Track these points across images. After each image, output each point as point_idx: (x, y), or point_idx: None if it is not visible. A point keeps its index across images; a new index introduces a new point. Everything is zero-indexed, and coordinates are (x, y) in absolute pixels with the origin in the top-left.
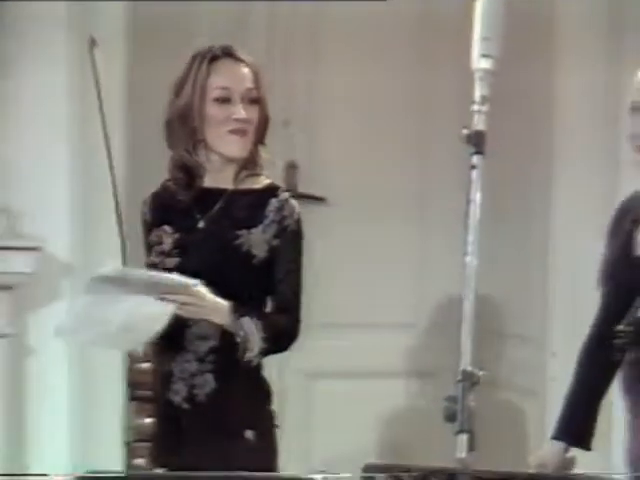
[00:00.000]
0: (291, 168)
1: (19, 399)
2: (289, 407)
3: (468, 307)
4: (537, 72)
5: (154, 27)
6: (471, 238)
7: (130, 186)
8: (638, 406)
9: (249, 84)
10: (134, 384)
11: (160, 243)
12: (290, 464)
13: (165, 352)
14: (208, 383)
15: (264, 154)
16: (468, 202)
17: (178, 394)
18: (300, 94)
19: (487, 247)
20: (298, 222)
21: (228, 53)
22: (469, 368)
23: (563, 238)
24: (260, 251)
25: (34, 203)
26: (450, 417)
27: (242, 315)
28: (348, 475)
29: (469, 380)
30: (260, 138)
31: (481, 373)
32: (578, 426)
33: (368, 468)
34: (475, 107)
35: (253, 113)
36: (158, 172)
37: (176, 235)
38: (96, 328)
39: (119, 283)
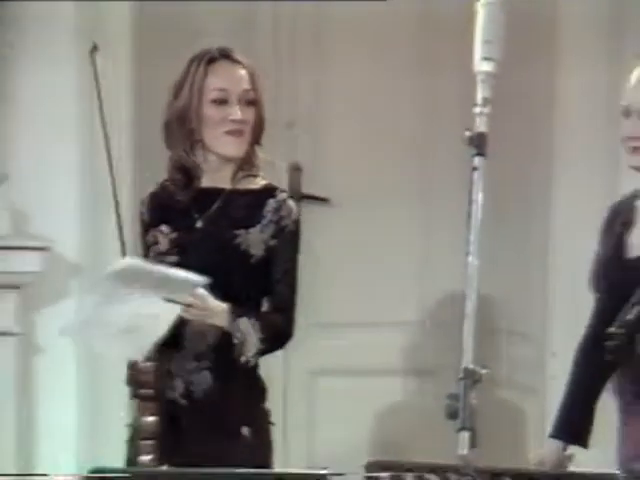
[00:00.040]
0: (295, 170)
1: (27, 397)
2: (293, 405)
3: (470, 306)
4: (537, 72)
5: (160, 27)
6: (473, 238)
7: (137, 186)
8: (627, 413)
9: (246, 85)
10: (136, 382)
11: (156, 243)
12: (293, 460)
13: (163, 349)
14: (205, 380)
15: (261, 155)
16: (470, 203)
17: (176, 391)
18: (304, 96)
19: (488, 247)
20: (296, 222)
21: (225, 55)
22: (471, 366)
23: (563, 238)
24: (258, 250)
25: (42, 203)
26: (452, 414)
27: (239, 316)
28: (355, 472)
29: (471, 378)
30: (257, 139)
31: (483, 371)
32: (575, 424)
33: (370, 465)
34: (477, 109)
35: (249, 114)
36: (165, 172)
37: (174, 234)
38: (100, 330)
39: (131, 278)
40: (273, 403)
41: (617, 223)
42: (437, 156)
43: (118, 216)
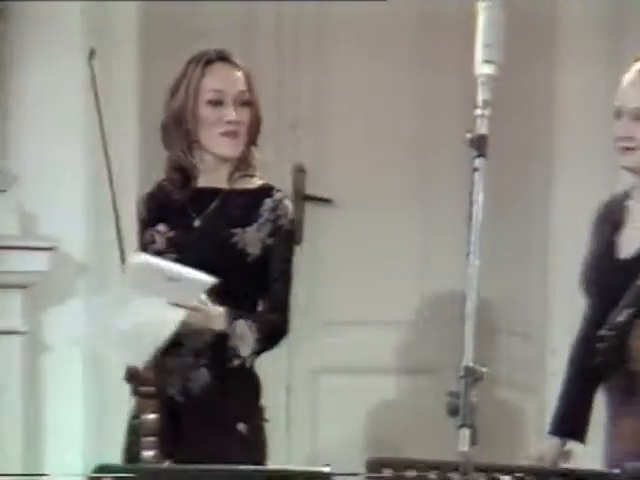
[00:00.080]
0: (299, 171)
1: (34, 395)
2: (296, 403)
3: (470, 306)
4: (537, 73)
5: (165, 27)
6: (474, 238)
7: (143, 185)
8: (616, 413)
9: (241, 87)
10: (136, 380)
11: (153, 242)
12: (295, 458)
13: (162, 347)
14: (202, 377)
15: (257, 155)
16: (471, 203)
17: (173, 387)
18: (307, 97)
19: (488, 247)
20: (292, 222)
21: (222, 57)
22: (471, 364)
23: (563, 237)
24: (254, 249)
25: (49, 204)
26: (453, 412)
27: (236, 318)
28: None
29: (471, 376)
30: (252, 139)
31: (484, 369)
32: (571, 421)
33: (371, 462)
34: (478, 111)
35: (245, 115)
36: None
37: (171, 233)
38: (107, 336)
39: (145, 275)
40: (276, 401)
41: (607, 223)
42: (437, 156)
43: (118, 231)
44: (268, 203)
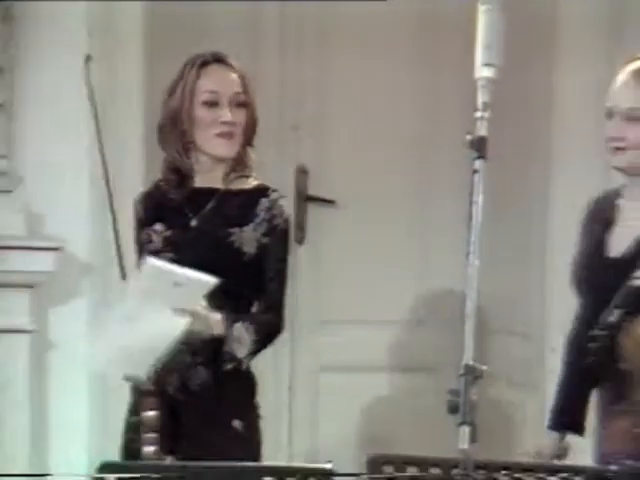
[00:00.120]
0: (301, 172)
1: (40, 393)
2: (297, 401)
3: (470, 305)
4: (537, 73)
5: (168, 27)
6: (473, 239)
7: (148, 184)
8: (606, 413)
9: (237, 88)
10: None
11: (150, 241)
12: (296, 455)
13: None
14: (200, 375)
15: (253, 156)
16: (471, 204)
17: (172, 385)
18: (308, 98)
19: (488, 247)
20: (287, 222)
21: (218, 59)
22: (471, 362)
23: (561, 238)
24: (250, 248)
25: (54, 205)
26: (453, 410)
27: (234, 322)
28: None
29: (471, 374)
30: (248, 140)
31: (484, 368)
32: (570, 414)
33: (371, 459)
34: (478, 114)
35: (240, 116)
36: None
37: (168, 233)
38: (112, 354)
39: (154, 278)
40: (277, 399)
41: (597, 222)
42: (437, 157)
43: (116, 232)
44: (264, 203)
